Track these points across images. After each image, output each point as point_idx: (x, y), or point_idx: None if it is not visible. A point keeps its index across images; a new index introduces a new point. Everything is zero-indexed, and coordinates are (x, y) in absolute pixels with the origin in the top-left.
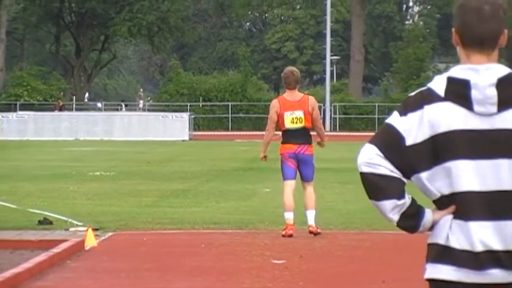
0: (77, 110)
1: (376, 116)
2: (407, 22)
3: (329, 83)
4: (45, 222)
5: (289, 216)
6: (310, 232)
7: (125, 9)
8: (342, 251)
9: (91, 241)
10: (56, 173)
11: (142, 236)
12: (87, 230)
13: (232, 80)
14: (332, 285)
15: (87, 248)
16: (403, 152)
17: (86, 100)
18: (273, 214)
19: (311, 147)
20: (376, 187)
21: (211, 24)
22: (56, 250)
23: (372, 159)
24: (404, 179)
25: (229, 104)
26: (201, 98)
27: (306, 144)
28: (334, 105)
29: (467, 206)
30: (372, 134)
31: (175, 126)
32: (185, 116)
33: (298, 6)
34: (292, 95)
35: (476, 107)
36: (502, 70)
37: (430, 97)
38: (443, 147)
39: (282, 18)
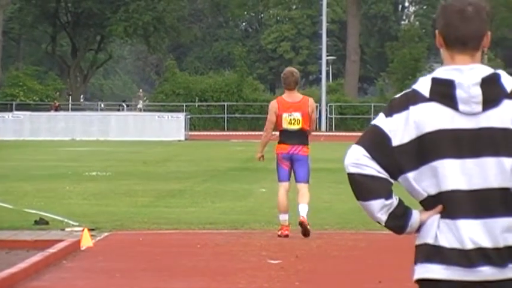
0: (73, 110)
1: (372, 116)
2: (403, 22)
3: (325, 83)
4: (41, 223)
5: (284, 218)
6: (301, 222)
7: (120, 9)
8: (338, 251)
9: (87, 241)
10: (52, 173)
11: (138, 236)
12: (83, 230)
13: (228, 80)
14: (328, 285)
15: (83, 248)
16: (390, 153)
17: (82, 100)
18: (269, 214)
19: (306, 148)
20: (363, 187)
21: (207, 24)
22: (51, 250)
23: (359, 160)
24: (391, 180)
25: (225, 104)
26: (197, 98)
27: (301, 145)
28: (330, 105)
29: (454, 204)
30: None
31: (171, 126)
32: (181, 116)
33: (294, 7)
34: (292, 96)
35: (461, 106)
36: (486, 70)
37: (415, 98)
38: (430, 147)
39: (278, 18)
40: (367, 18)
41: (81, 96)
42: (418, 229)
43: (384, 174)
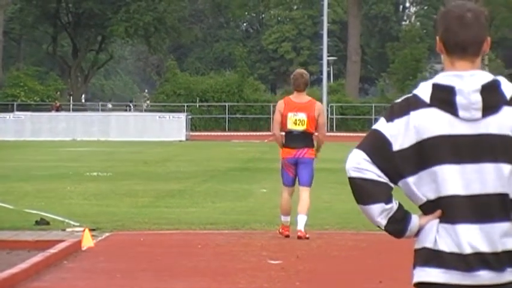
0: (76, 110)
1: (373, 117)
2: (404, 23)
3: (326, 84)
4: (42, 223)
5: (286, 219)
6: (299, 237)
7: (121, 10)
8: (338, 251)
9: (88, 241)
10: (52, 173)
11: (139, 237)
12: (84, 230)
13: (229, 80)
14: (328, 285)
15: (84, 248)
16: (390, 157)
17: (83, 101)
18: (270, 214)
19: (312, 150)
20: (364, 192)
21: (207, 25)
22: (52, 250)
23: (360, 164)
24: (391, 184)
25: (226, 104)
26: (197, 98)
27: (306, 148)
28: (331, 106)
29: (453, 209)
30: None
31: (172, 126)
32: (182, 116)
33: (295, 7)
34: (299, 97)
35: (461, 113)
36: (486, 77)
37: (416, 103)
38: (429, 153)
39: (279, 18)
40: (368, 18)
41: (83, 96)
42: (417, 233)
43: (384, 179)
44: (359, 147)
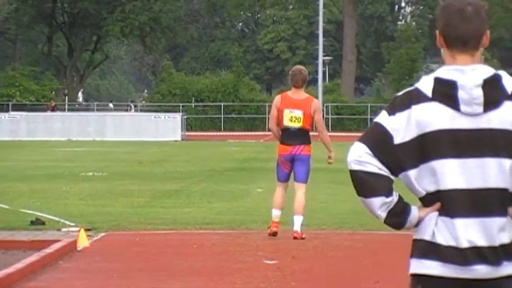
0: (69, 110)
1: (369, 117)
2: (399, 22)
3: (321, 84)
4: (37, 223)
5: (276, 213)
6: (295, 238)
7: (117, 10)
8: (334, 251)
9: (83, 241)
10: (48, 173)
11: (134, 237)
12: (80, 230)
13: (225, 80)
14: (325, 285)
15: (79, 248)
16: (392, 151)
17: (80, 100)
18: (266, 214)
19: (308, 147)
20: (365, 184)
21: (203, 25)
22: (48, 250)
23: (361, 157)
24: (392, 177)
25: (222, 104)
26: (193, 98)
27: (303, 145)
28: (326, 106)
29: (452, 203)
30: None
31: (167, 126)
32: (177, 116)
33: (290, 7)
34: (297, 94)
35: (462, 107)
36: (488, 71)
37: (418, 97)
38: (430, 146)
39: (275, 18)
40: (364, 18)
41: (80, 97)
42: (417, 224)
43: (385, 172)
44: (360, 140)
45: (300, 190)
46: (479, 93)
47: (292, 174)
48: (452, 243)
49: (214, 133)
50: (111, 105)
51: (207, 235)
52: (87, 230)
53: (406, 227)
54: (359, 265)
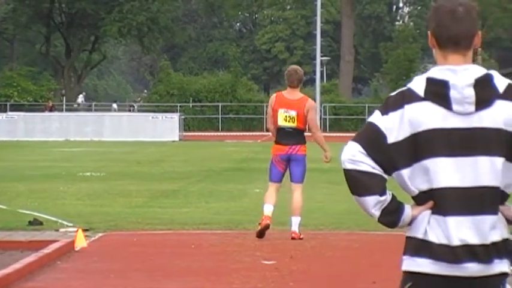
0: (68, 111)
1: (366, 117)
2: (397, 23)
3: (319, 84)
4: (35, 223)
5: (268, 209)
6: (292, 238)
7: (115, 10)
8: (332, 252)
9: (81, 242)
10: (46, 173)
11: (132, 237)
12: (77, 230)
13: (223, 80)
14: (322, 285)
15: (77, 248)
16: (385, 150)
17: (82, 101)
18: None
19: (304, 147)
20: (359, 183)
21: (201, 25)
22: (46, 251)
23: (355, 156)
24: (385, 176)
25: (219, 104)
26: (191, 98)
27: (299, 145)
28: (324, 106)
29: (445, 201)
30: None
31: (165, 126)
32: (175, 116)
33: (288, 7)
34: (292, 94)
35: (454, 107)
36: (479, 71)
37: (410, 97)
38: (423, 145)
39: (272, 18)
40: (362, 18)
41: (81, 97)
42: (410, 223)
43: (378, 171)
44: (354, 139)
45: (297, 191)
46: (471, 92)
47: (285, 175)
48: (444, 241)
49: (212, 133)
50: (114, 105)
51: (204, 235)
52: (84, 230)
53: (399, 226)
54: (356, 265)
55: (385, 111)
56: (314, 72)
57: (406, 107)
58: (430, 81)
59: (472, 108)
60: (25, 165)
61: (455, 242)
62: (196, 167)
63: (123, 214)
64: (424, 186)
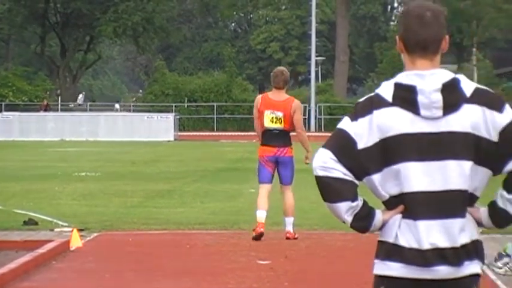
0: (62, 110)
1: None
2: (392, 23)
3: (314, 84)
4: (30, 223)
5: (261, 215)
6: (287, 238)
7: (110, 10)
8: (327, 252)
9: (76, 242)
10: (41, 173)
11: (127, 237)
12: (73, 230)
13: (218, 80)
14: (317, 285)
15: (72, 248)
16: (355, 156)
17: (82, 101)
18: None
19: (291, 149)
20: (331, 190)
21: (196, 25)
22: (41, 251)
23: (326, 163)
24: (356, 181)
25: (215, 104)
26: (186, 98)
27: (286, 147)
28: (319, 106)
29: (415, 205)
30: None
31: (160, 126)
32: (170, 116)
33: (283, 7)
34: (278, 95)
35: (422, 112)
36: (446, 75)
37: (379, 102)
38: (392, 150)
39: (267, 18)
40: (356, 18)
41: (80, 96)
42: (381, 227)
43: (350, 177)
44: (325, 146)
45: (288, 191)
46: (438, 97)
47: (276, 176)
48: (414, 245)
49: (207, 133)
50: (117, 106)
51: (200, 235)
52: (80, 230)
53: (371, 231)
54: (351, 265)
55: (354, 117)
56: (309, 72)
57: (375, 112)
58: (398, 86)
59: (440, 112)
60: (20, 165)
61: (426, 246)
62: (192, 167)
63: (119, 214)
64: (395, 191)
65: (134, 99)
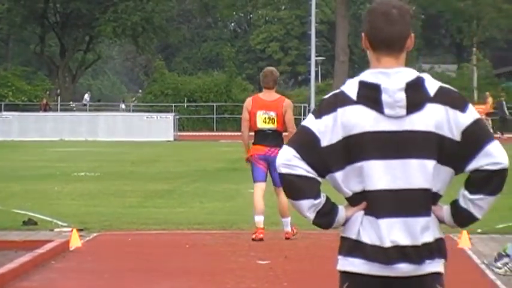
0: (62, 110)
1: None
2: None
3: (314, 84)
4: (29, 223)
5: (259, 219)
6: (287, 238)
7: (109, 10)
8: (326, 251)
9: (75, 242)
10: (40, 173)
11: (126, 237)
12: (72, 230)
13: (217, 80)
14: (316, 285)
15: (71, 248)
16: (319, 153)
17: (87, 100)
18: None
19: None
20: (294, 187)
21: (195, 25)
22: (40, 251)
23: (290, 160)
24: (319, 179)
25: (214, 104)
26: (185, 98)
27: (278, 147)
28: None
29: (377, 203)
30: None
31: (160, 126)
32: (170, 116)
33: (283, 7)
34: (268, 95)
35: (386, 110)
36: (411, 74)
37: (343, 100)
38: (356, 148)
39: (267, 18)
40: (356, 18)
41: (87, 96)
42: (344, 223)
43: (313, 174)
44: (289, 143)
45: (282, 193)
46: (401, 96)
47: (269, 175)
48: (376, 242)
49: (207, 133)
50: (122, 105)
51: (199, 235)
52: (79, 230)
53: (333, 227)
54: None
55: (318, 115)
56: (309, 72)
57: (339, 110)
58: (362, 84)
59: (403, 111)
60: (20, 165)
61: (387, 244)
62: (191, 167)
63: (118, 214)
64: (358, 188)
65: (134, 99)
